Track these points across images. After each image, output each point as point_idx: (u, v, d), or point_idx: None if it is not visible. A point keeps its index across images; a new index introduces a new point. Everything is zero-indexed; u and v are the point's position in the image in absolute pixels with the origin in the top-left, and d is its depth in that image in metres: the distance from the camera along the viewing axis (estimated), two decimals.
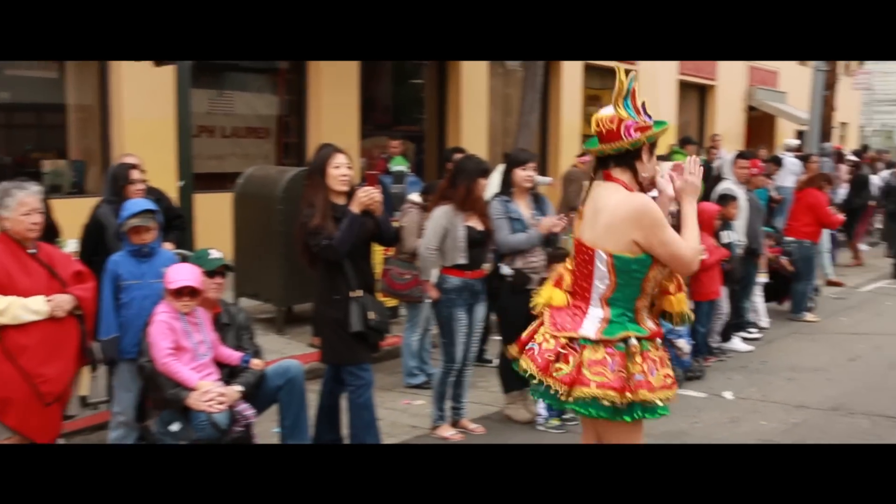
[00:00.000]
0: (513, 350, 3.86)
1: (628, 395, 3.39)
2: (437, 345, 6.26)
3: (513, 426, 6.22)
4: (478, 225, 5.86)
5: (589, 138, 3.68)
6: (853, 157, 15.46)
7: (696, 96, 24.28)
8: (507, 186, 6.15)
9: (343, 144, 5.37)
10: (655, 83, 20.09)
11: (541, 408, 6.19)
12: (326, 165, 5.08)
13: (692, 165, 3.62)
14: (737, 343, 8.53)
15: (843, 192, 14.85)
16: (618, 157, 3.53)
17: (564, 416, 6.22)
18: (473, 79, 15.30)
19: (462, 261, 5.81)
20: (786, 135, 24.76)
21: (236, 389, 4.88)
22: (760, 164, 9.59)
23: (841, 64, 21.80)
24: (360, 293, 5.14)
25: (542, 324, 3.70)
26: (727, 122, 24.63)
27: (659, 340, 3.62)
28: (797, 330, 9.49)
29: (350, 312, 5.09)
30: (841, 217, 10.87)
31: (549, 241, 6.27)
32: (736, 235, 8.37)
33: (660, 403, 3.46)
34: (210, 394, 4.72)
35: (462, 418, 6.15)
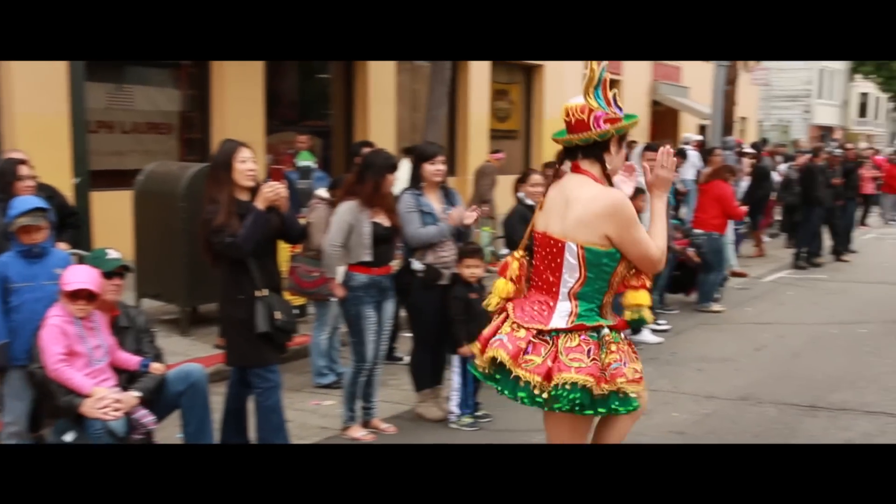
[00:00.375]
0: (473, 348, 3.71)
1: (604, 385, 3.28)
2: (347, 343, 6.13)
3: (425, 425, 6.12)
4: (384, 221, 5.74)
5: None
6: (752, 151, 15.78)
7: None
8: (417, 181, 6.04)
9: (248, 140, 5.19)
10: (563, 78, 20.24)
11: (453, 405, 6.10)
12: (232, 160, 4.88)
13: (664, 158, 3.54)
14: (647, 335, 8.58)
15: (745, 184, 15.16)
16: (586, 148, 3.46)
17: (477, 414, 6.15)
18: (381, 74, 15.17)
19: (368, 258, 5.68)
20: (689, 129, 25.26)
21: (134, 395, 4.66)
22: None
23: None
24: (265, 292, 4.97)
25: (505, 318, 3.57)
26: None
27: (623, 334, 3.56)
28: (704, 321, 9.62)
29: (256, 313, 4.91)
30: (745, 209, 11.05)
31: (461, 236, 6.18)
32: (643, 228, 8.40)
33: (633, 395, 3.36)
34: (105, 400, 4.48)
35: (373, 418, 6.02)
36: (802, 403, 6.49)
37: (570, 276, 3.42)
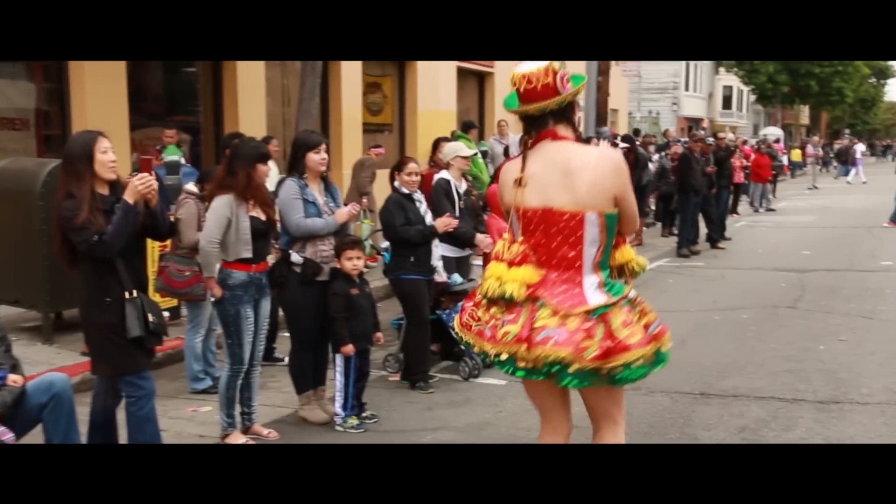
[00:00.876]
0: (511, 348, 3.31)
1: (656, 345, 3.36)
2: (222, 345, 5.77)
3: (309, 428, 5.82)
4: (261, 214, 5.42)
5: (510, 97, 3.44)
6: (625, 144, 15.95)
7: (475, 83, 24.54)
8: (300, 170, 5.72)
9: (112, 136, 4.75)
10: (436, 71, 20.11)
11: (337, 407, 5.81)
12: (92, 151, 4.45)
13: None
14: None
15: None
16: (558, 113, 3.32)
17: (363, 415, 5.89)
18: (249, 69, 14.66)
19: (247, 254, 5.35)
20: None
21: None
22: None
23: None
24: (135, 294, 4.58)
25: (535, 309, 3.30)
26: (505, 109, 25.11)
27: None
28: None
29: (127, 316, 4.51)
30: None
31: (342, 228, 5.91)
32: None
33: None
34: None
35: (253, 424, 5.68)
36: (694, 391, 6.45)
37: (592, 247, 3.31)
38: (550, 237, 3.33)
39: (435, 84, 20.23)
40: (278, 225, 5.70)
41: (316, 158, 5.69)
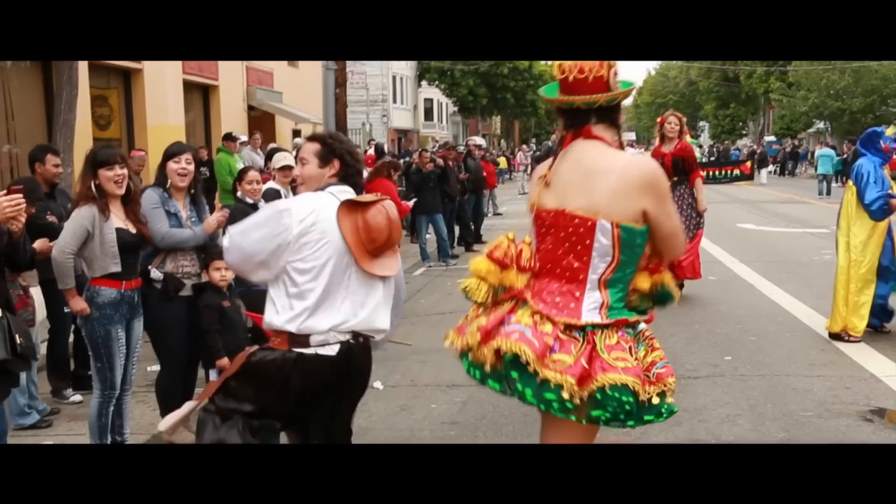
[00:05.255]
0: (472, 338, 3.21)
1: (650, 388, 2.92)
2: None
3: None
4: (130, 227, 5.07)
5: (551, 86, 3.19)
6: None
7: (200, 96, 23.87)
8: (162, 181, 5.41)
9: None
10: (163, 82, 19.36)
11: None
12: None
13: None
14: None
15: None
16: (602, 111, 3.06)
17: None
18: None
19: (115, 268, 4.98)
20: (285, 132, 25.47)
21: None
22: None
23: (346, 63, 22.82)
24: (0, 313, 4.17)
25: (515, 306, 3.10)
26: (231, 122, 24.52)
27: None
28: None
29: None
30: (410, 204, 11.32)
31: (210, 239, 5.63)
32: None
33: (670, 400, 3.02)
34: None
35: None
36: None
37: (602, 261, 3.01)
38: (558, 243, 3.08)
39: (163, 97, 19.48)
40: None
41: (175, 168, 5.40)
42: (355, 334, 3.69)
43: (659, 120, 10.09)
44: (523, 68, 48.33)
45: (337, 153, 3.74)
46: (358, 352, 3.79)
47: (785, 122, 49.95)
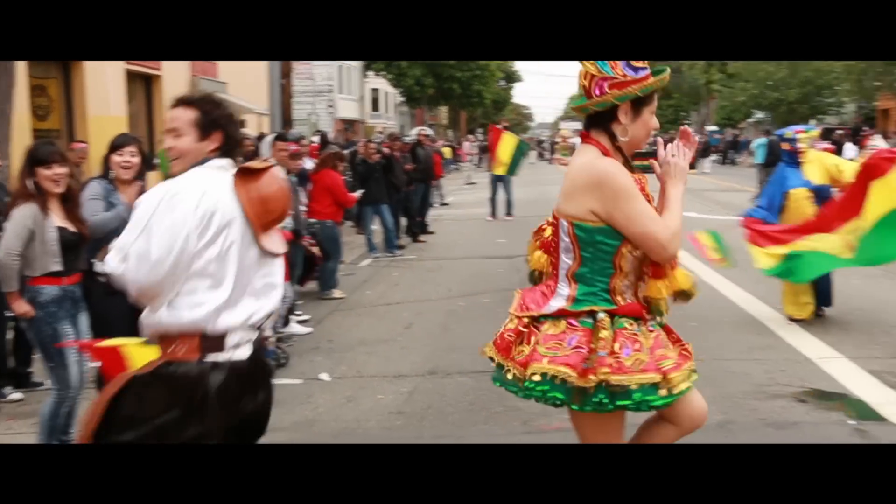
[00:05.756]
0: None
1: (591, 376, 2.93)
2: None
3: None
4: (70, 226, 5.04)
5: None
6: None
7: (143, 86, 23.57)
8: (107, 173, 5.38)
9: None
10: (104, 72, 19.10)
11: None
12: None
13: (676, 149, 3.20)
14: (296, 327, 8.47)
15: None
16: (593, 117, 3.16)
17: None
18: None
19: (56, 267, 4.95)
20: None
21: None
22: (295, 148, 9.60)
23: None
24: None
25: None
26: None
27: (656, 321, 3.22)
28: (335, 308, 9.72)
29: None
30: (355, 196, 11.32)
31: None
32: (287, 219, 8.33)
33: (633, 387, 2.95)
34: None
35: None
36: (488, 370, 6.72)
37: (567, 257, 3.15)
38: (556, 244, 3.26)
39: (104, 87, 19.22)
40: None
41: (117, 160, 5.37)
42: (259, 329, 3.18)
43: None
44: (469, 59, 48.40)
45: (220, 123, 3.14)
46: (262, 355, 3.26)
47: (726, 112, 50.67)
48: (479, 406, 6.01)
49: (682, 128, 3.29)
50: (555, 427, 5.51)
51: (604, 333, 3.01)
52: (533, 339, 3.09)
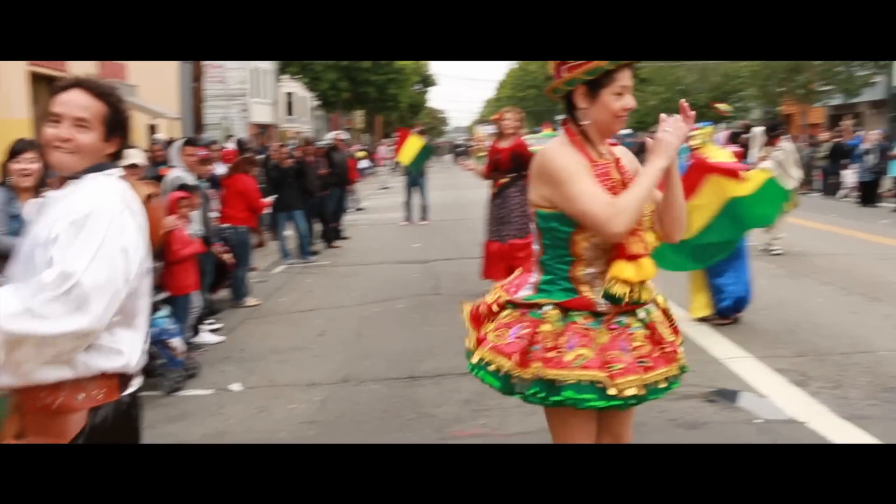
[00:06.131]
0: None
1: (529, 368, 2.93)
2: None
3: None
4: None
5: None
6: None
7: (47, 89, 22.94)
8: (5, 180, 5.20)
9: None
10: (6, 73, 18.52)
11: None
12: None
13: (671, 124, 3.03)
14: (207, 336, 8.31)
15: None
16: (566, 104, 3.10)
17: None
18: None
19: None
20: (141, 128, 24.71)
21: None
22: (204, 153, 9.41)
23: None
24: None
25: None
26: None
27: (638, 318, 3.08)
28: (248, 315, 9.57)
29: None
30: (267, 201, 11.16)
31: None
32: (197, 226, 8.18)
33: (569, 382, 2.88)
34: None
35: None
36: (402, 376, 6.80)
37: (536, 244, 3.16)
38: None
39: (6, 88, 18.68)
40: None
41: (15, 168, 5.20)
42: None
43: (496, 116, 9.92)
44: (384, 62, 48.32)
45: (124, 126, 2.77)
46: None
47: (638, 116, 51.56)
48: (392, 413, 5.96)
49: (681, 102, 3.17)
50: (469, 433, 5.51)
51: (545, 328, 2.98)
52: (492, 323, 3.15)
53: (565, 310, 3.01)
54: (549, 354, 2.93)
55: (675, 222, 3.16)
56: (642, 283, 3.02)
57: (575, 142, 3.07)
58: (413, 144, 17.26)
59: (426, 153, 17.79)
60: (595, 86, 3.01)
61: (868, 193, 22.32)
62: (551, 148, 3.09)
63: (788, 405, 5.92)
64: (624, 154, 3.18)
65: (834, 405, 5.84)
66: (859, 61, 32.47)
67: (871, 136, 23.39)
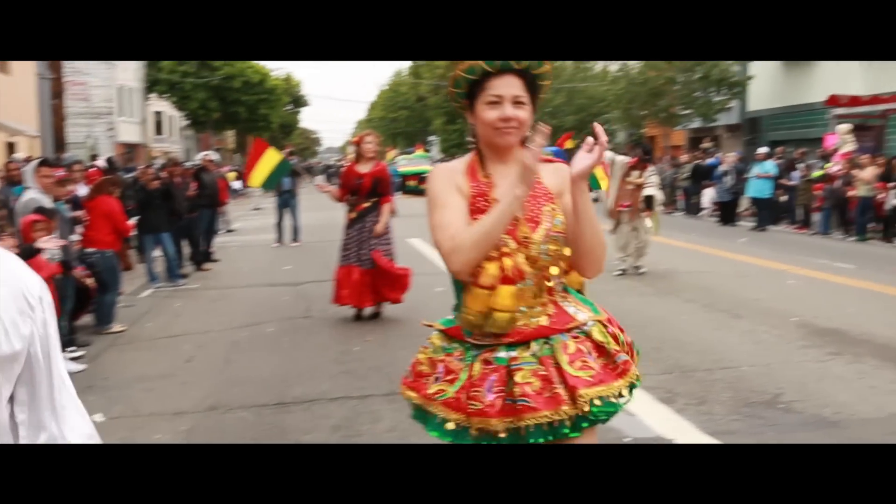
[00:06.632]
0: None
1: (410, 393, 2.88)
2: None
3: None
4: None
5: None
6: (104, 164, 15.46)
7: None
8: None
9: None
10: None
11: None
12: None
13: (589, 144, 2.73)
14: (68, 364, 7.95)
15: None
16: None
17: None
18: None
19: None
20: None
21: None
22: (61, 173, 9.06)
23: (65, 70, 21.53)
24: None
25: None
26: None
27: (531, 353, 2.76)
28: (113, 342, 9.22)
29: None
30: (131, 223, 10.82)
31: None
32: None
33: (430, 414, 2.80)
34: None
35: None
36: (270, 403, 6.65)
37: None
38: None
39: None
40: None
41: None
42: None
43: (356, 139, 9.77)
44: (255, 82, 47.80)
45: None
46: None
47: None
48: (261, 441, 5.82)
49: (594, 125, 2.88)
50: None
51: (419, 355, 2.90)
52: None
53: (449, 338, 2.86)
54: (422, 381, 2.85)
55: (583, 257, 2.82)
56: (510, 313, 2.71)
57: (470, 161, 2.89)
58: (270, 159, 16.91)
59: (283, 169, 17.45)
60: (471, 98, 2.81)
61: (727, 213, 23.27)
62: (434, 170, 2.91)
63: (656, 423, 6.05)
64: (555, 172, 2.89)
65: (699, 421, 6.00)
66: (716, 87, 33.98)
67: (728, 158, 24.42)
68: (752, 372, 7.29)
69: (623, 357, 2.82)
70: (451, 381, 2.75)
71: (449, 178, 2.82)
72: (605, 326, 2.85)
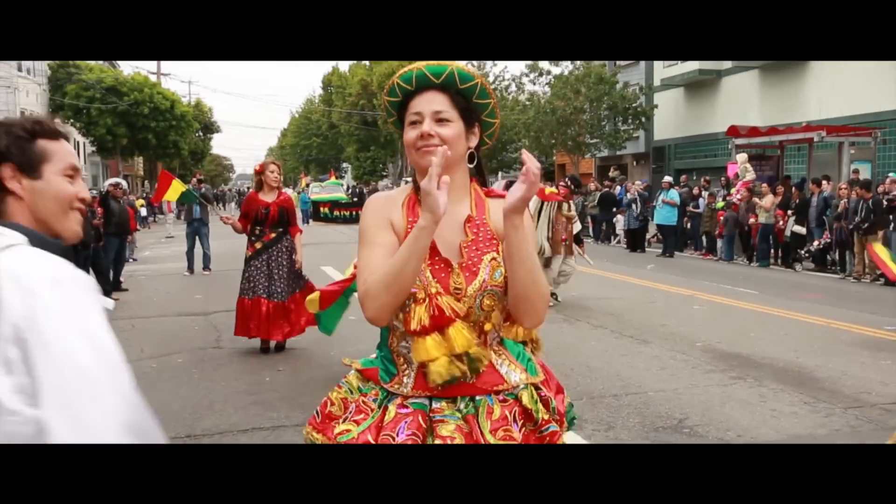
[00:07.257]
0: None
1: (315, 435, 2.64)
2: None
3: None
4: None
5: None
6: None
7: None
8: None
9: None
10: None
11: None
12: None
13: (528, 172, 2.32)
14: None
15: None
16: None
17: None
18: None
19: None
20: None
21: None
22: None
23: None
24: None
25: None
26: None
27: (458, 408, 2.51)
28: None
29: None
30: None
31: None
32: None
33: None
34: None
35: None
36: (180, 435, 6.52)
37: None
38: None
39: None
40: None
41: None
42: None
43: (258, 167, 9.58)
44: (164, 108, 47.12)
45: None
46: None
47: None
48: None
49: (522, 152, 2.45)
50: None
51: (332, 394, 2.66)
52: None
53: (366, 379, 2.64)
54: (330, 423, 2.62)
55: (519, 304, 2.50)
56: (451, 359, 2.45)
57: (410, 191, 2.63)
58: (175, 190, 16.72)
59: (188, 199, 17.27)
60: (402, 122, 2.60)
61: (635, 240, 23.78)
62: (369, 201, 2.65)
63: None
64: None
65: None
66: (622, 117, 34.86)
67: (632, 187, 25.03)
68: (659, 397, 7.47)
69: (551, 428, 2.57)
70: (359, 422, 2.54)
71: (382, 211, 2.57)
72: (538, 390, 2.61)
